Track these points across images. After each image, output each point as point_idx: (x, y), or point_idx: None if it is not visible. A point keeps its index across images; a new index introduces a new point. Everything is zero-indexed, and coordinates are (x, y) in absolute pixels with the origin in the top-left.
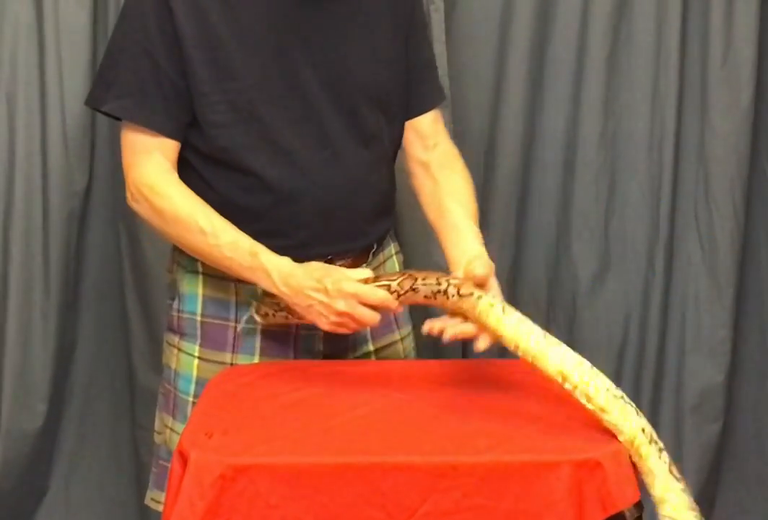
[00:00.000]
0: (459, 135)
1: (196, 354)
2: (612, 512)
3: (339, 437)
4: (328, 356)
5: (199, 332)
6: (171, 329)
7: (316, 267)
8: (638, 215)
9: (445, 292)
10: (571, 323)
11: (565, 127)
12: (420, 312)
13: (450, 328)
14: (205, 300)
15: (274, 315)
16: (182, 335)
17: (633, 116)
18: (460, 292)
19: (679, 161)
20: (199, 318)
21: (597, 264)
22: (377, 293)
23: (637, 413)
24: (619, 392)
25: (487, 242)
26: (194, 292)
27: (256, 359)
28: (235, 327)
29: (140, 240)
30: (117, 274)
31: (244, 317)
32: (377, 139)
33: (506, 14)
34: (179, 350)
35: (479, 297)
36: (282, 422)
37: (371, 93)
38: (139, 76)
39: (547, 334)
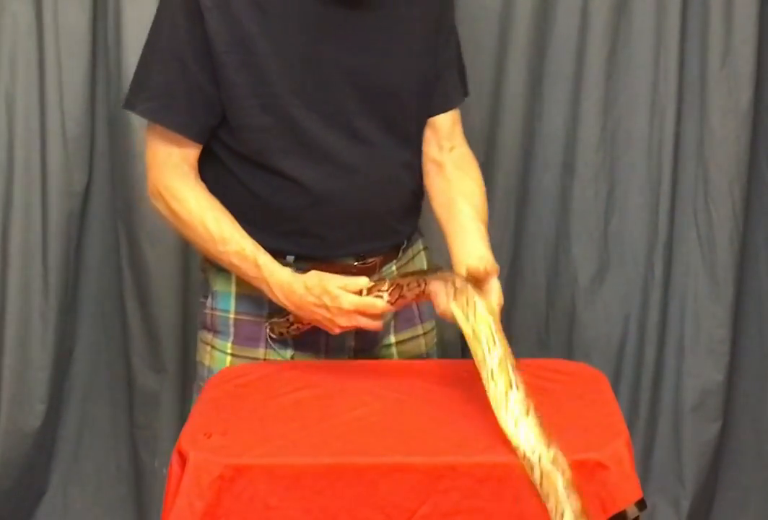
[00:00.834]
0: None
1: (229, 351)
2: (613, 511)
3: (338, 437)
4: (358, 350)
5: (232, 330)
6: (205, 327)
7: (314, 283)
8: (637, 216)
9: (424, 292)
10: (571, 323)
11: (564, 128)
12: None
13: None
14: (238, 297)
15: (288, 332)
16: (215, 332)
17: (632, 117)
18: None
19: (679, 162)
20: (232, 315)
21: (596, 264)
22: (375, 305)
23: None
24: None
25: None
26: (227, 290)
27: (289, 354)
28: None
29: (139, 240)
30: (116, 274)
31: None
32: (410, 139)
33: (506, 14)
34: (212, 347)
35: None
36: (281, 422)
37: (403, 95)
38: (168, 79)
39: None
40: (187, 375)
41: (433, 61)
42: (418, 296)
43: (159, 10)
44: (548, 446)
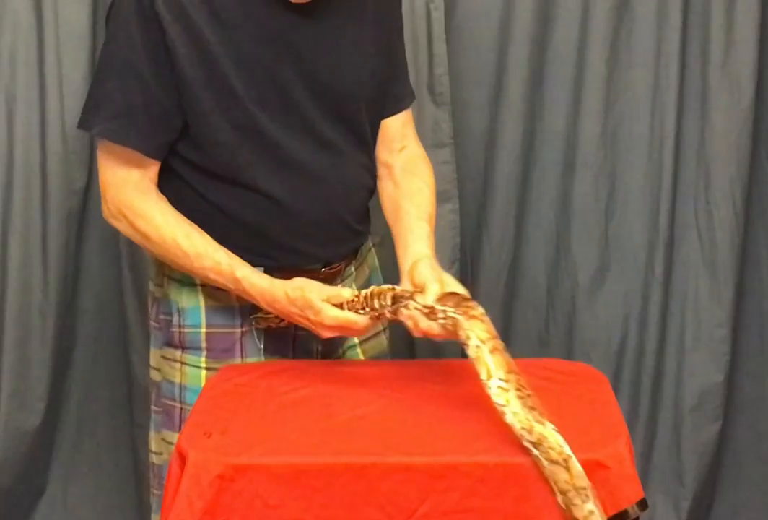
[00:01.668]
0: (459, 134)
1: (203, 365)
2: (613, 511)
3: (338, 437)
4: (324, 353)
5: (204, 344)
6: (170, 345)
7: (297, 295)
8: (638, 215)
9: (405, 306)
10: (571, 323)
11: (565, 127)
12: None
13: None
14: (209, 311)
15: (278, 325)
16: (184, 348)
17: (633, 116)
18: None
19: (679, 161)
20: (203, 330)
21: (596, 264)
22: (357, 323)
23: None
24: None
25: (487, 242)
26: (195, 304)
27: (261, 360)
28: (242, 331)
29: None
30: (115, 273)
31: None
32: (368, 142)
33: (506, 14)
34: (183, 363)
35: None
36: (281, 422)
37: (361, 99)
38: (127, 96)
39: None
40: None
41: (384, 63)
42: (394, 313)
43: (112, 26)
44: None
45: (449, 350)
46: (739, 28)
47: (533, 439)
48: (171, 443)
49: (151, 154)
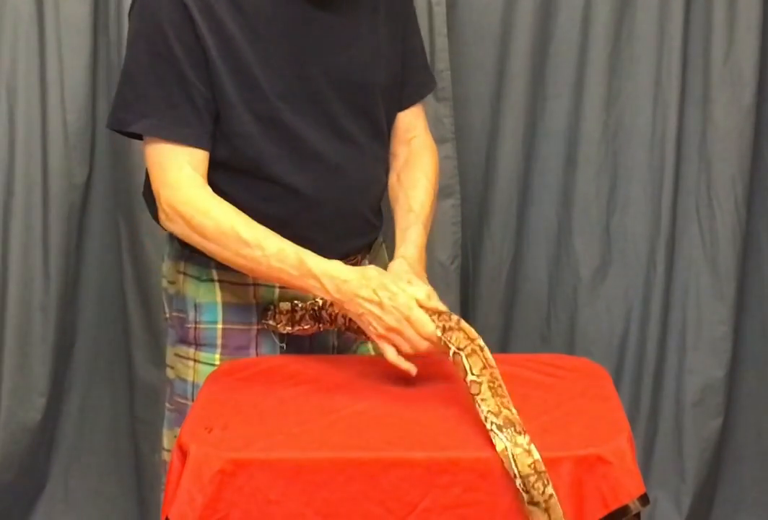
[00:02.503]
0: (460, 128)
1: (217, 362)
2: (614, 507)
3: (339, 432)
4: (340, 349)
5: (219, 341)
6: (184, 342)
7: (372, 275)
8: (640, 211)
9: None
10: (572, 319)
11: (567, 122)
12: None
13: None
14: (225, 307)
15: (288, 332)
16: (199, 345)
17: (635, 112)
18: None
19: (681, 157)
20: (220, 326)
21: (598, 259)
22: (426, 325)
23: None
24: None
25: (488, 237)
26: (212, 300)
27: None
28: (258, 328)
29: (140, 233)
30: (117, 267)
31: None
32: (384, 134)
33: (508, 8)
34: (196, 361)
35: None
36: (282, 416)
37: (378, 91)
38: (166, 91)
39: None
40: None
41: (399, 55)
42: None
43: (137, 21)
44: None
45: None
46: (741, 24)
47: (499, 422)
48: None
49: (200, 144)
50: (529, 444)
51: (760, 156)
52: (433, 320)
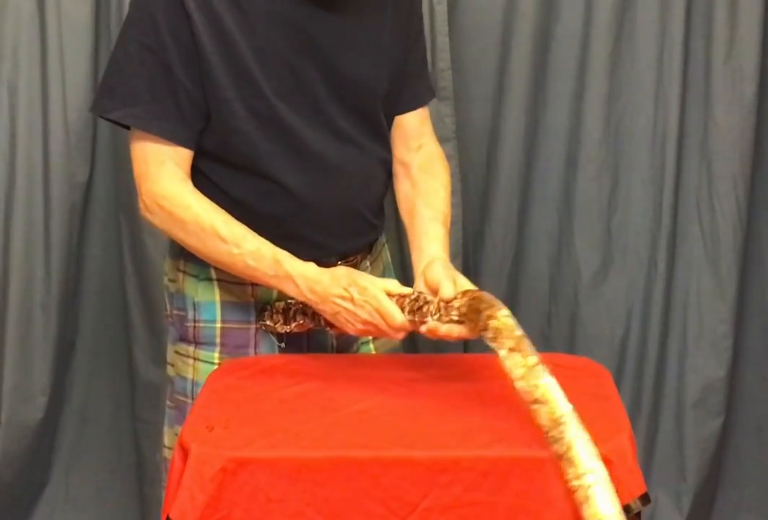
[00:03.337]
0: (461, 128)
1: (216, 361)
2: None
3: (340, 431)
4: (339, 349)
5: (218, 339)
6: (184, 340)
7: (342, 274)
8: (641, 210)
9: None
10: (573, 318)
11: (568, 122)
12: None
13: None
14: (224, 306)
15: (285, 332)
16: (198, 344)
17: (636, 111)
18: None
19: (682, 156)
20: (218, 325)
21: (599, 259)
22: (395, 316)
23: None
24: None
25: (489, 236)
26: (210, 299)
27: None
28: (256, 327)
29: (141, 232)
30: (118, 266)
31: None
32: (384, 135)
33: (509, 8)
34: (195, 359)
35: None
36: (283, 415)
37: (378, 93)
38: (151, 83)
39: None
40: None
41: (402, 60)
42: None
43: (134, 12)
44: None
45: (452, 344)
46: (742, 22)
47: (490, 334)
48: None
49: (180, 141)
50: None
51: (762, 155)
52: (404, 306)
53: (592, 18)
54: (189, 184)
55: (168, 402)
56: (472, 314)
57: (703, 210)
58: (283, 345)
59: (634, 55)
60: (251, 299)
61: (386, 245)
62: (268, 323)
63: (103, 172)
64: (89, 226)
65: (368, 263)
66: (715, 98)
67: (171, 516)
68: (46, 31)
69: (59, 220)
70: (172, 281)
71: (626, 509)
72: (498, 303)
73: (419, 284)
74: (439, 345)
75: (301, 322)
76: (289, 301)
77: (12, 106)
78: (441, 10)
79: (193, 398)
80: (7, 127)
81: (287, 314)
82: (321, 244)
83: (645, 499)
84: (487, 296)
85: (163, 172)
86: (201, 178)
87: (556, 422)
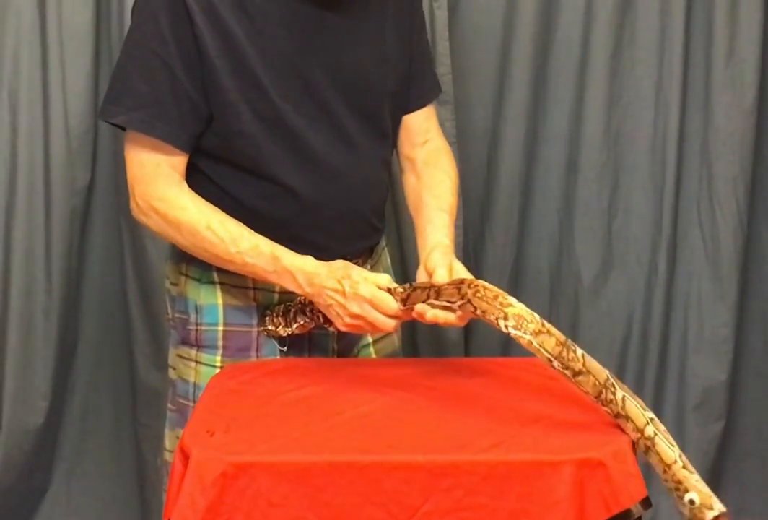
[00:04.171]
0: (462, 132)
1: (218, 364)
2: (616, 510)
3: (341, 435)
4: (340, 352)
5: (220, 342)
6: (186, 343)
7: (338, 266)
8: (641, 213)
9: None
10: (574, 321)
11: (568, 126)
12: None
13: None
14: (227, 309)
15: (287, 334)
16: (200, 347)
17: (636, 115)
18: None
19: (683, 160)
20: (221, 328)
21: (600, 262)
22: (389, 304)
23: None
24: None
25: (490, 240)
26: (213, 302)
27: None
28: (258, 330)
29: (142, 237)
30: (119, 271)
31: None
32: (388, 136)
33: (509, 12)
34: (197, 362)
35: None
36: (284, 420)
37: (384, 94)
38: (154, 87)
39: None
40: None
41: (406, 58)
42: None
43: (138, 17)
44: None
45: (452, 348)
46: (742, 26)
47: (512, 323)
48: None
49: (180, 146)
50: (545, 326)
51: (762, 159)
52: (396, 299)
53: (591, 23)
54: (184, 187)
55: (169, 405)
56: (479, 301)
57: (704, 213)
58: (285, 349)
59: (634, 59)
60: (253, 302)
61: (386, 249)
62: (269, 327)
63: (103, 177)
64: (90, 231)
65: (369, 267)
66: (715, 102)
67: None
68: (46, 37)
69: (60, 225)
70: (173, 284)
71: (627, 513)
72: (501, 291)
73: (421, 272)
74: (440, 349)
75: (302, 322)
76: (287, 303)
77: (13, 111)
78: (441, 14)
79: (194, 401)
80: (8, 134)
81: (287, 316)
82: (323, 247)
83: (646, 503)
84: (488, 284)
85: (159, 174)
86: (204, 180)
87: (604, 386)
